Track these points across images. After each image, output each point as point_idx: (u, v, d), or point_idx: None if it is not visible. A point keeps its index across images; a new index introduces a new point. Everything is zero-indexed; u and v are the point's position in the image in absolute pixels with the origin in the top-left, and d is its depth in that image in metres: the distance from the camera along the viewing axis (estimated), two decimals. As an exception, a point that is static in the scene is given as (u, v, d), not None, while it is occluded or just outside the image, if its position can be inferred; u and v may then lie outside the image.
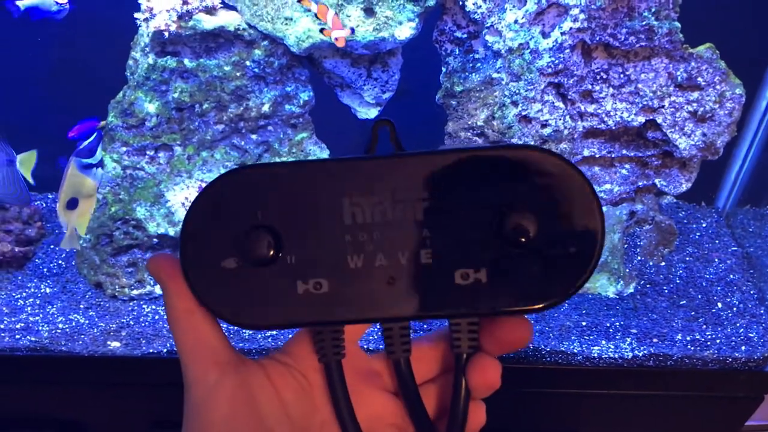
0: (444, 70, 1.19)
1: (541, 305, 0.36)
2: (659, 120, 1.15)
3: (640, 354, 1.26)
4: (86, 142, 1.23)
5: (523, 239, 0.35)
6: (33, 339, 1.31)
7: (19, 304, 1.42)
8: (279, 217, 0.35)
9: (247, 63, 1.17)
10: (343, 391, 0.38)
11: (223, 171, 1.29)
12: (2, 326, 1.35)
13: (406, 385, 0.40)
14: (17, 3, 1.19)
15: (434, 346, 0.42)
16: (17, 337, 1.33)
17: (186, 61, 1.16)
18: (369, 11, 1.10)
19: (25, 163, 1.35)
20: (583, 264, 0.35)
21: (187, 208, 0.36)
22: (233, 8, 1.16)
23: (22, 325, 1.36)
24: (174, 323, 0.38)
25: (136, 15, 1.11)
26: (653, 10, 1.03)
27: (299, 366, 0.41)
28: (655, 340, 1.28)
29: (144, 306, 1.35)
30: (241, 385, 0.38)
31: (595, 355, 1.26)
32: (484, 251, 0.35)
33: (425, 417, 0.41)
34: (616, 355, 1.26)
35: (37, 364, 1.31)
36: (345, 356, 0.39)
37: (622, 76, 1.11)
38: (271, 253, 0.35)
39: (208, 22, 1.13)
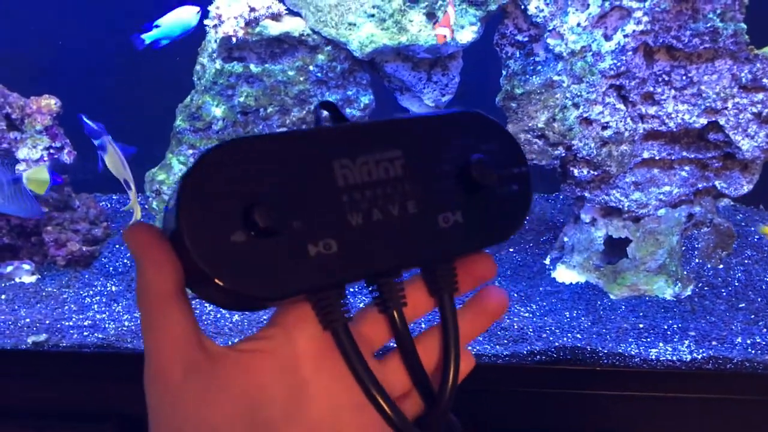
0: (504, 73, 1.20)
1: (507, 235, 0.42)
2: (722, 122, 1.15)
3: (699, 357, 1.25)
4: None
5: (486, 184, 0.40)
6: (100, 336, 1.35)
7: (86, 302, 1.47)
8: (278, 186, 0.36)
9: (311, 68, 1.20)
10: (357, 353, 0.38)
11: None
12: (71, 323, 1.40)
13: (404, 339, 0.41)
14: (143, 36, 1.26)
15: (411, 294, 0.43)
16: (85, 334, 1.37)
17: (252, 66, 1.19)
18: (431, 15, 1.12)
19: (34, 179, 1.41)
20: (525, 198, 0.42)
21: (180, 183, 0.35)
22: (298, 14, 1.19)
23: (90, 322, 1.40)
24: (147, 306, 0.35)
25: (205, 22, 1.15)
26: (718, 11, 1.04)
27: (286, 338, 0.39)
28: (714, 342, 1.27)
29: (206, 305, 1.39)
30: (209, 388, 0.35)
31: (653, 357, 1.26)
32: (456, 196, 0.40)
33: (423, 374, 0.42)
34: (674, 358, 1.25)
35: (103, 361, 1.35)
36: (351, 319, 0.39)
37: (684, 77, 1.11)
38: (277, 222, 0.35)
39: (273, 28, 1.16)
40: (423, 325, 0.48)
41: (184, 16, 1.29)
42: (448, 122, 0.41)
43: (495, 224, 0.41)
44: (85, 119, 1.41)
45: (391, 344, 0.42)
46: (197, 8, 1.28)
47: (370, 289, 0.41)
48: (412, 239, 0.39)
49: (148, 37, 1.27)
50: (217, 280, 0.35)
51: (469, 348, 1.26)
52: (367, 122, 0.40)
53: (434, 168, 0.40)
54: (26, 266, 1.56)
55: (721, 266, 1.45)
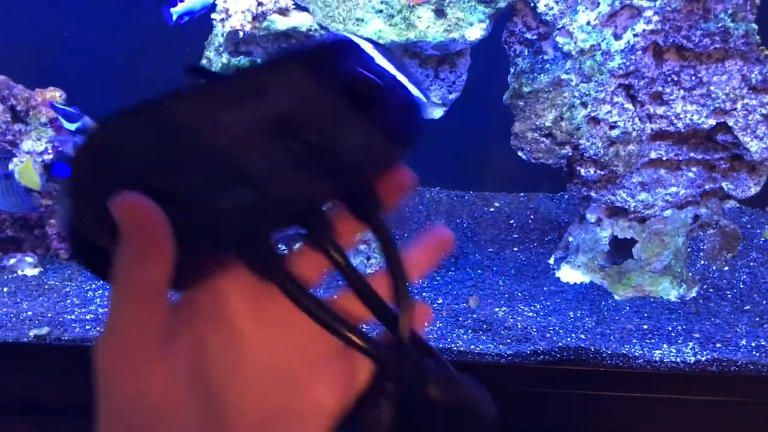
0: (512, 71, 1.20)
1: (410, 144, 0.40)
2: (730, 122, 1.15)
3: (703, 359, 1.25)
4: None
5: (375, 100, 0.38)
6: (102, 330, 1.35)
7: (88, 295, 1.47)
8: (169, 159, 0.35)
9: (318, 63, 1.20)
10: (302, 289, 0.37)
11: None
12: (73, 317, 1.40)
13: (343, 266, 0.39)
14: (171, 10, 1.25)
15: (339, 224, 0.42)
16: (87, 327, 1.37)
17: (259, 61, 1.19)
18: (440, 12, 1.12)
19: (24, 172, 1.41)
20: (414, 106, 0.40)
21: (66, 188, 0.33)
22: (305, 9, 1.19)
23: (92, 316, 1.40)
24: (129, 292, 0.32)
25: (212, 15, 1.14)
26: (730, 12, 1.03)
27: (217, 297, 0.38)
28: (718, 344, 1.27)
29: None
30: (173, 353, 0.34)
31: (657, 358, 1.26)
32: (349, 117, 0.38)
33: (373, 293, 0.40)
34: (678, 359, 1.25)
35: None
36: (285, 263, 0.39)
37: (693, 78, 1.11)
38: (176, 191, 0.34)
39: (281, 23, 1.15)
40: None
41: None
42: (320, 52, 0.40)
43: (394, 137, 0.39)
44: (57, 106, 1.40)
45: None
46: None
47: (298, 233, 0.40)
48: (317, 171, 0.38)
49: (175, 12, 1.26)
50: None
51: (473, 347, 1.26)
52: (245, 69, 0.38)
53: (320, 96, 0.38)
54: (29, 259, 1.56)
55: (726, 268, 1.45)
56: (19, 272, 1.55)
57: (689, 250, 1.43)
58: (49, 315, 1.39)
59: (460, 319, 1.35)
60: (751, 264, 1.46)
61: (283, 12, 1.16)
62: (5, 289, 1.49)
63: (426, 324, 0.47)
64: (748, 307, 1.35)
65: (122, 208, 0.31)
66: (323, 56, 0.40)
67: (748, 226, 1.57)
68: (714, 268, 1.45)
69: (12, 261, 1.55)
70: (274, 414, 0.38)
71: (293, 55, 0.39)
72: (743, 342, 1.27)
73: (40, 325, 1.36)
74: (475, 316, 1.35)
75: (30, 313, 1.40)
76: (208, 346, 0.36)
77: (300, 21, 1.17)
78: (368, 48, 0.41)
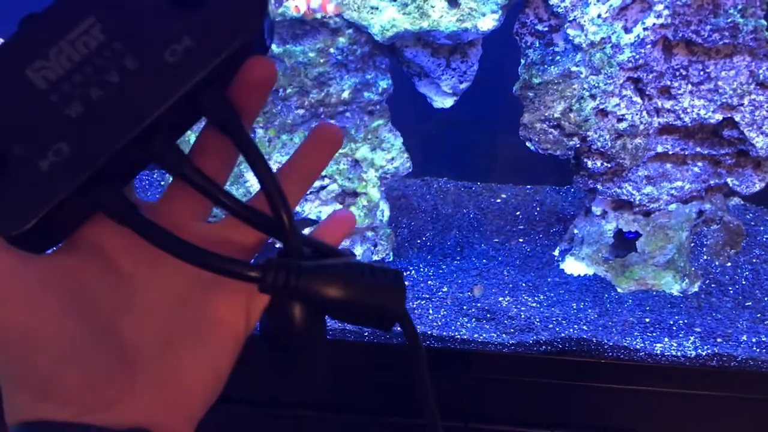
0: (523, 62, 1.21)
1: (252, 27, 0.37)
2: (737, 118, 1.16)
3: (704, 353, 1.26)
4: None
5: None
6: None
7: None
8: None
9: (331, 50, 1.21)
10: (157, 229, 0.37)
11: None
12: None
13: (207, 188, 0.38)
14: None
15: (198, 145, 0.42)
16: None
17: (273, 47, 1.21)
18: (453, 2, 1.13)
19: None
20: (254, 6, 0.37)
21: None
22: (320, -4, 1.20)
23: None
24: None
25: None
26: (739, 7, 1.04)
27: (89, 245, 0.38)
28: (719, 339, 1.28)
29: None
30: (31, 284, 0.35)
31: (658, 352, 1.27)
32: (176, 25, 0.36)
33: (245, 207, 0.40)
34: (679, 353, 1.26)
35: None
36: (136, 204, 0.38)
37: (702, 73, 1.12)
38: None
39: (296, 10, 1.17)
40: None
41: None
42: None
43: (232, 24, 0.36)
44: None
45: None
46: None
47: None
48: (148, 92, 0.35)
49: None
50: None
51: (477, 335, 1.27)
52: (44, 11, 0.35)
53: (135, 10, 0.35)
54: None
55: (729, 264, 1.46)
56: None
57: (693, 245, 1.44)
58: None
59: (464, 307, 1.36)
60: (754, 261, 1.47)
61: (299, -2, 1.18)
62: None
63: (348, 228, 0.47)
64: (750, 303, 1.36)
65: None
66: None
67: (752, 223, 1.58)
68: (717, 263, 1.46)
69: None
70: (175, 338, 0.38)
71: None
72: (744, 338, 1.28)
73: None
74: (479, 305, 1.37)
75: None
76: (92, 283, 0.37)
77: (315, 8, 1.18)
78: None
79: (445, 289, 1.41)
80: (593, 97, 1.16)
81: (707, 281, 1.42)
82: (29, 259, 0.36)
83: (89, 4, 0.35)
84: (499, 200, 1.70)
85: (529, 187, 1.73)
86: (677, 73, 1.14)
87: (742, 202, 1.61)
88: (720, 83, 1.12)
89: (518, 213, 1.66)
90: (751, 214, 1.62)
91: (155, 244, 0.37)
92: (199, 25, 0.36)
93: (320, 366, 0.45)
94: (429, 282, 1.43)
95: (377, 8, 1.15)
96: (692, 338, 1.29)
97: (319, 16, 1.16)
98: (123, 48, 0.35)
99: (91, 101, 0.35)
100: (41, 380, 0.34)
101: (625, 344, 1.27)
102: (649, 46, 1.10)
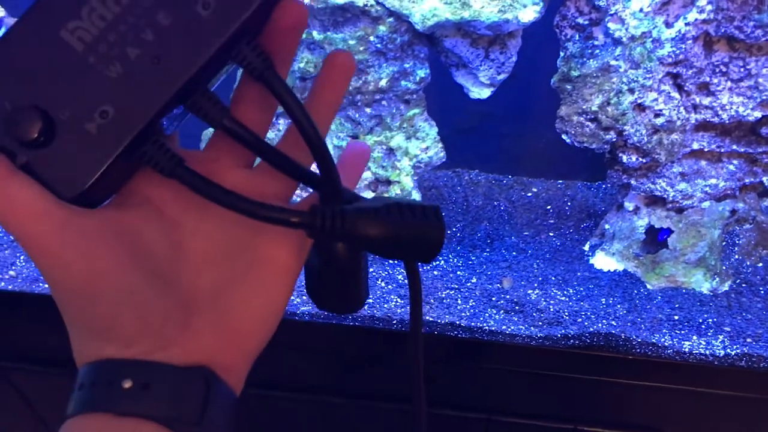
0: (562, 54, 1.22)
1: None
2: (776, 116, 1.16)
3: (733, 353, 1.26)
4: None
5: None
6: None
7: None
8: (23, 92, 0.34)
9: (371, 38, 1.22)
10: (205, 181, 0.38)
11: (336, 141, 1.35)
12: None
13: (245, 138, 0.40)
14: None
15: (237, 95, 0.43)
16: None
17: (314, 33, 1.22)
18: (494, -7, 1.14)
19: None
20: None
21: None
22: (363, -16, 1.21)
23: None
24: None
25: (273, -14, 1.17)
26: (784, 3, 1.04)
27: (138, 197, 0.40)
28: (749, 340, 1.28)
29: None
30: (87, 237, 0.36)
31: (686, 350, 1.27)
32: None
33: (287, 159, 0.42)
34: (708, 352, 1.26)
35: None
36: (182, 158, 0.39)
37: (742, 69, 1.12)
38: (46, 124, 0.34)
39: (338, -4, 1.18)
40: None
41: None
42: None
43: None
44: None
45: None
46: None
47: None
48: (184, 49, 0.36)
49: None
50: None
51: (505, 327, 1.27)
52: None
53: None
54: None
55: (761, 264, 1.45)
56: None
57: (724, 243, 1.44)
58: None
59: (493, 299, 1.37)
60: (786, 262, 1.47)
61: (341, -14, 1.19)
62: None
63: (365, 161, 0.49)
64: (781, 304, 1.36)
65: None
66: None
67: (785, 224, 1.57)
68: (748, 263, 1.45)
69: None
70: (230, 280, 0.40)
71: None
72: (774, 338, 1.28)
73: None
74: (507, 297, 1.37)
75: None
76: (144, 239, 0.38)
77: (356, -4, 1.20)
78: None
79: (474, 280, 1.42)
80: (631, 91, 1.16)
81: (738, 281, 1.41)
82: (84, 213, 0.37)
83: None
84: (530, 194, 1.70)
85: (560, 181, 1.74)
86: (717, 70, 1.14)
87: (775, 203, 1.60)
88: (761, 80, 1.12)
89: (549, 207, 1.66)
90: (784, 216, 1.61)
91: (203, 195, 0.38)
92: None
93: (364, 287, 0.48)
94: (458, 273, 1.44)
95: (419, -3, 1.16)
96: (721, 337, 1.29)
97: None
98: (154, 5, 0.35)
99: (129, 61, 0.35)
100: (103, 323, 0.36)
101: (654, 341, 1.27)
102: (689, 41, 1.10)
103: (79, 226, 0.36)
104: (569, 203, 1.67)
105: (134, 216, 0.39)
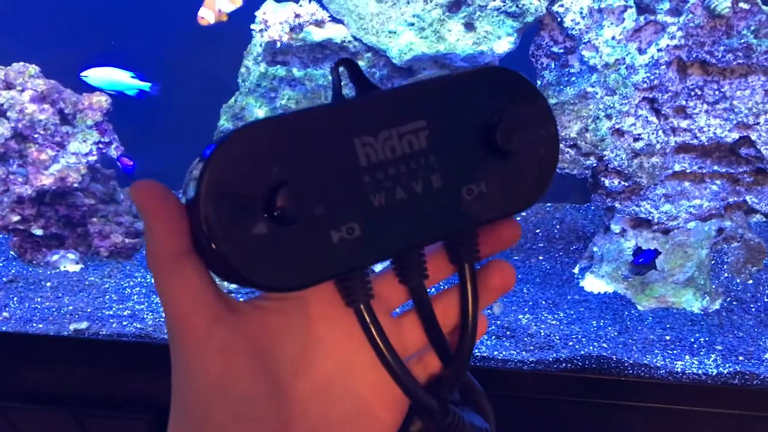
0: (539, 83, 1.23)
1: (532, 201, 0.40)
2: (753, 137, 1.17)
3: (725, 371, 1.25)
4: None
5: (511, 150, 0.38)
6: (138, 326, 1.40)
7: (126, 292, 1.53)
8: (296, 170, 0.34)
9: (351, 73, 1.24)
10: (381, 332, 0.39)
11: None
12: (111, 312, 1.45)
13: (425, 309, 0.41)
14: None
15: (432, 262, 0.43)
16: (124, 323, 1.42)
17: (294, 70, 1.24)
18: (469, 26, 1.16)
19: None
20: (552, 161, 0.40)
21: (196, 178, 0.33)
22: (340, 22, 1.23)
23: (129, 312, 1.46)
24: (159, 265, 0.34)
25: (252, 26, 1.20)
26: (753, 28, 1.05)
27: (298, 300, 0.39)
28: (741, 358, 1.28)
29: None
30: (231, 337, 0.35)
31: (679, 369, 1.26)
32: (482, 166, 0.38)
33: (442, 336, 0.42)
34: (700, 371, 1.26)
35: (141, 351, 1.39)
36: (374, 296, 0.39)
37: (717, 92, 1.13)
38: (299, 207, 0.34)
39: (317, 35, 1.20)
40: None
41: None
42: (472, 82, 0.39)
43: (519, 190, 0.39)
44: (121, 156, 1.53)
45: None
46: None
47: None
48: (435, 215, 0.38)
49: (85, 77, 1.48)
50: (242, 274, 0.34)
51: (496, 353, 1.27)
52: (390, 91, 0.37)
53: (459, 136, 0.38)
54: (71, 255, 1.63)
55: (751, 282, 1.45)
56: (62, 268, 1.62)
57: (713, 262, 1.44)
58: (89, 310, 1.45)
59: (485, 325, 1.37)
60: (776, 278, 1.46)
61: (319, 24, 1.21)
62: (48, 284, 1.56)
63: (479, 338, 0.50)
64: (773, 321, 1.36)
65: (136, 192, 0.34)
66: (475, 84, 0.39)
67: (774, 240, 1.57)
68: (738, 281, 1.45)
69: (55, 257, 1.62)
70: (337, 421, 0.39)
71: (445, 79, 0.38)
72: (767, 356, 1.27)
73: (80, 319, 1.42)
74: (499, 322, 1.38)
75: (71, 307, 1.46)
76: (281, 341, 0.37)
77: (335, 33, 1.22)
78: (521, 85, 0.39)
79: (464, 307, 1.42)
80: (609, 117, 1.17)
81: (728, 299, 1.41)
82: (237, 308, 0.37)
83: (427, 107, 0.37)
84: (519, 218, 1.71)
85: (549, 204, 1.74)
86: (692, 93, 1.15)
87: (765, 219, 1.60)
88: (735, 102, 1.13)
89: (538, 231, 1.67)
90: (773, 231, 1.61)
91: (369, 340, 0.39)
92: (497, 176, 0.39)
93: None
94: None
95: (395, 32, 1.18)
96: (713, 356, 1.28)
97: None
98: (436, 165, 0.37)
99: (393, 198, 0.37)
100: (211, 429, 0.36)
101: (646, 362, 1.27)
102: (663, 66, 1.11)
103: (227, 323, 0.36)
104: (558, 226, 1.67)
105: (280, 321, 0.38)
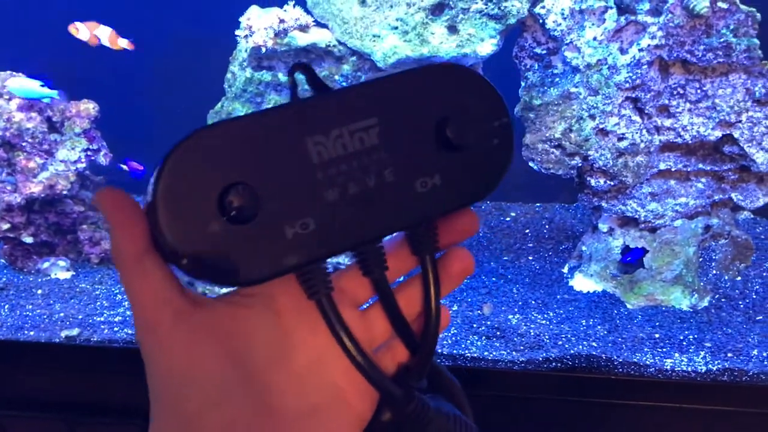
0: (523, 84, 1.24)
1: (488, 192, 0.41)
2: (736, 135, 1.17)
3: (714, 368, 1.26)
4: None
5: (463, 141, 0.39)
6: (130, 332, 1.40)
7: (117, 298, 1.53)
8: (251, 170, 0.35)
9: (336, 77, 1.25)
10: (341, 323, 0.40)
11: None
12: (102, 319, 1.46)
13: (388, 299, 0.43)
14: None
15: (394, 255, 0.44)
16: (115, 329, 1.43)
17: (280, 75, 1.25)
18: (452, 29, 1.16)
19: None
20: (507, 152, 0.41)
21: (153, 179, 0.35)
22: (325, 26, 1.24)
23: (120, 318, 1.46)
24: (122, 268, 0.36)
25: (236, 32, 1.20)
26: (732, 27, 1.06)
27: (265, 297, 0.40)
28: (729, 354, 1.28)
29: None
30: (197, 329, 0.37)
31: (668, 367, 1.27)
32: (435, 159, 0.39)
33: (407, 326, 0.43)
34: (690, 369, 1.26)
35: (132, 356, 1.39)
36: (334, 289, 0.40)
37: (699, 91, 1.13)
38: (252, 206, 0.35)
39: (301, 39, 1.21)
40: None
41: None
42: (423, 78, 0.40)
43: (474, 182, 0.41)
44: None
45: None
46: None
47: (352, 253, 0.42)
48: (389, 208, 0.39)
49: (11, 87, 1.47)
50: (200, 271, 0.35)
51: (487, 353, 1.27)
52: (341, 90, 0.38)
53: (410, 131, 0.39)
54: (62, 263, 1.63)
55: (739, 278, 1.46)
56: (53, 275, 1.62)
57: (701, 260, 1.44)
58: (80, 317, 1.46)
59: (474, 325, 1.38)
60: (764, 274, 1.47)
61: (303, 29, 1.22)
62: (39, 292, 1.56)
63: (443, 329, 0.50)
64: (761, 317, 1.36)
65: (99, 199, 0.36)
66: (426, 81, 0.40)
67: (762, 236, 1.58)
68: (726, 278, 1.46)
69: (46, 264, 1.62)
70: (313, 408, 0.40)
71: (395, 77, 0.39)
72: (755, 352, 1.28)
73: (71, 326, 1.42)
74: (488, 323, 1.38)
75: (62, 314, 1.47)
76: (253, 333, 0.39)
77: (319, 37, 1.22)
78: (472, 80, 0.40)
79: (455, 308, 1.43)
80: (592, 117, 1.18)
81: (717, 296, 1.42)
82: (200, 305, 0.38)
83: (378, 105, 0.38)
84: (508, 219, 1.72)
85: (538, 205, 1.75)
86: (675, 92, 1.15)
87: (752, 216, 1.61)
88: (717, 101, 1.13)
89: (527, 231, 1.67)
90: (761, 228, 1.61)
91: (332, 332, 0.40)
92: (451, 168, 0.40)
93: None
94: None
95: (379, 36, 1.18)
96: (702, 353, 1.29)
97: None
98: (388, 160, 0.38)
99: (346, 193, 0.38)
100: (187, 419, 0.37)
101: (635, 360, 1.28)
102: (645, 66, 1.12)
103: (191, 316, 0.37)
104: (547, 226, 1.68)
105: (249, 315, 0.39)
